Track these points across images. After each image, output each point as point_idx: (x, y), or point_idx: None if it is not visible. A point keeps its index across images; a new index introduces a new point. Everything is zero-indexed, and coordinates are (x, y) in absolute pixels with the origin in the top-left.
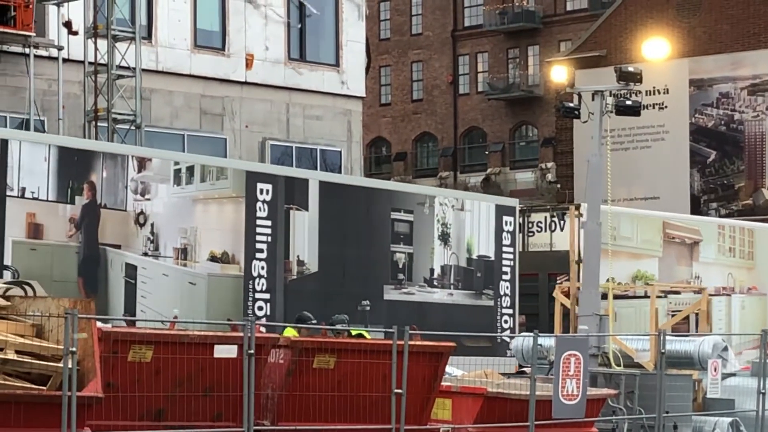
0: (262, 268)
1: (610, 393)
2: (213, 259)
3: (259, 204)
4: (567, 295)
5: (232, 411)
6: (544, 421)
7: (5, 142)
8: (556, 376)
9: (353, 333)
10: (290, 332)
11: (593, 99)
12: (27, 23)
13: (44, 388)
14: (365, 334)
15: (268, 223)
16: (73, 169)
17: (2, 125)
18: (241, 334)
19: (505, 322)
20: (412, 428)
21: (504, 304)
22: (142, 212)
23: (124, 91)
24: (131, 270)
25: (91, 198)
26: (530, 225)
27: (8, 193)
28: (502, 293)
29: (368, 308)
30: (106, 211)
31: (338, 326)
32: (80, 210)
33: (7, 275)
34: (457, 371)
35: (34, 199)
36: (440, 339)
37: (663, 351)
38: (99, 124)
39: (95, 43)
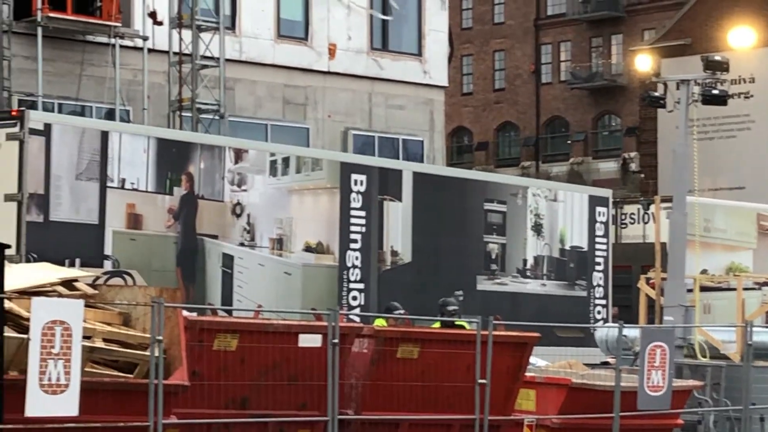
0: (356, 258)
1: (696, 385)
2: (308, 249)
3: (353, 195)
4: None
5: (316, 400)
6: (629, 412)
7: (106, 134)
8: (642, 368)
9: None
10: (380, 322)
11: (679, 88)
12: (112, 14)
13: (131, 376)
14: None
15: (363, 213)
16: (172, 160)
17: (88, 115)
18: (326, 324)
19: (598, 313)
20: (496, 419)
21: (597, 295)
22: (238, 203)
23: (208, 81)
24: (228, 260)
25: (189, 189)
26: (623, 217)
27: (108, 184)
28: (595, 284)
29: (461, 298)
30: (203, 201)
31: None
32: (178, 201)
33: (108, 265)
34: (541, 362)
35: (133, 189)
36: (528, 329)
37: (750, 342)
38: (183, 114)
39: (180, 33)
